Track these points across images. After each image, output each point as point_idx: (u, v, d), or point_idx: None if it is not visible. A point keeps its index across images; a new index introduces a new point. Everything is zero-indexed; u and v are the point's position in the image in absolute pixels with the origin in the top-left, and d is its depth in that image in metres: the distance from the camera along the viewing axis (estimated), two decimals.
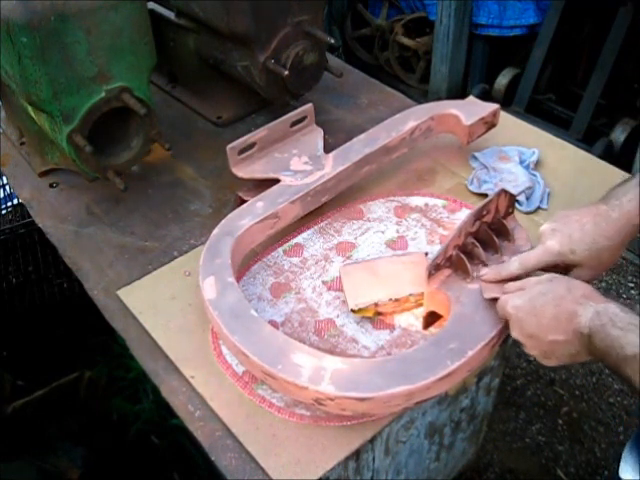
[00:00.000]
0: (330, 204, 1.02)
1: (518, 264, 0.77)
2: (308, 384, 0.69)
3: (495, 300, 0.75)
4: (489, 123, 1.09)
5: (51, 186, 1.15)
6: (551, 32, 2.24)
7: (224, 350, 0.83)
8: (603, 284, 1.98)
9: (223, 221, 0.91)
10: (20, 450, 1.30)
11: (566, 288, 0.68)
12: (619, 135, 2.17)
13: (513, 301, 0.71)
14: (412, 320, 0.85)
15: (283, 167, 1.01)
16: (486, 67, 2.56)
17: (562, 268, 0.78)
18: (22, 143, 1.22)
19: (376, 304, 0.84)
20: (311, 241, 0.99)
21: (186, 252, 1.00)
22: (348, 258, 0.95)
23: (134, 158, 1.05)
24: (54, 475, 1.28)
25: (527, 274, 0.77)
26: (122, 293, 0.93)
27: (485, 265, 0.82)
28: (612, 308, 0.64)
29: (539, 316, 0.68)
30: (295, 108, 1.06)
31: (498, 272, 0.78)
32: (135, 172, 1.14)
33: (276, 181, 0.98)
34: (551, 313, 0.67)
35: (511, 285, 0.75)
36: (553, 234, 0.76)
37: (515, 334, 0.71)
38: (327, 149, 1.04)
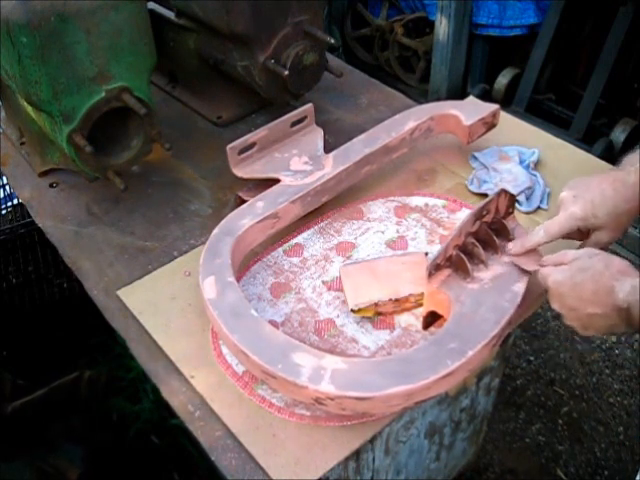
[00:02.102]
0: (330, 204, 1.02)
1: (543, 232, 0.81)
2: (308, 384, 0.69)
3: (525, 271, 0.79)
4: (489, 123, 1.09)
5: (51, 186, 1.15)
6: (551, 32, 2.24)
7: (224, 350, 0.83)
8: None
9: (223, 221, 0.91)
10: (20, 450, 1.30)
11: (604, 265, 0.71)
12: (619, 135, 2.17)
13: (554, 276, 0.74)
14: (412, 320, 0.85)
15: (283, 167, 1.01)
16: (486, 67, 2.57)
17: (583, 233, 0.82)
18: (22, 143, 1.22)
19: (376, 304, 0.84)
20: (311, 241, 0.99)
21: (186, 252, 1.00)
22: (348, 258, 0.95)
23: (134, 158, 1.05)
24: (53, 475, 1.28)
25: (552, 240, 0.81)
26: (122, 293, 0.93)
27: (485, 265, 0.82)
28: None
29: (579, 291, 0.72)
30: (295, 108, 1.06)
31: (523, 244, 0.82)
32: (135, 172, 1.14)
33: (276, 181, 0.98)
34: (590, 288, 0.70)
35: (549, 258, 0.78)
36: (575, 200, 0.80)
37: (556, 306, 0.76)
38: (327, 149, 1.04)
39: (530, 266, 0.80)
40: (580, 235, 0.83)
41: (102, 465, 1.36)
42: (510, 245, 0.83)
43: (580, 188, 0.81)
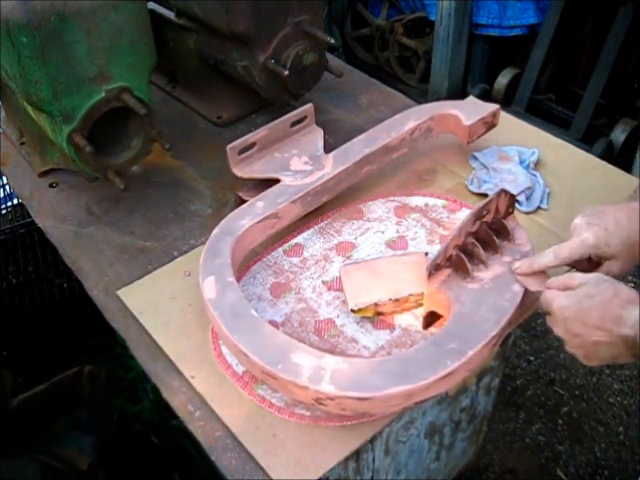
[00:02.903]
0: (330, 204, 1.02)
1: (553, 256, 0.79)
2: (308, 384, 0.69)
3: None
4: (489, 123, 1.09)
5: (51, 186, 1.15)
6: (551, 32, 2.24)
7: (224, 350, 0.83)
8: None
9: (223, 221, 0.91)
10: (24, 444, 1.29)
11: (613, 292, 0.70)
12: (619, 135, 2.18)
13: (560, 300, 0.73)
14: (412, 320, 0.85)
15: (283, 167, 1.01)
16: (486, 67, 2.57)
17: (592, 263, 0.80)
18: (22, 143, 1.22)
19: (376, 304, 0.84)
20: (311, 241, 0.99)
21: (186, 252, 1.00)
22: (348, 258, 0.95)
23: (134, 158, 1.05)
24: (59, 469, 1.27)
25: (560, 265, 0.80)
26: (122, 293, 0.93)
27: (485, 265, 0.82)
28: None
29: (585, 317, 0.70)
30: (295, 108, 1.06)
31: (531, 264, 0.80)
32: (135, 172, 1.14)
33: (276, 181, 0.98)
34: (597, 316, 0.69)
35: (554, 281, 0.77)
36: (589, 227, 0.78)
37: (560, 332, 0.74)
38: (327, 149, 1.04)
39: (533, 286, 0.79)
40: (589, 266, 0.81)
41: (112, 455, 1.35)
42: (517, 264, 0.81)
43: (594, 216, 0.79)
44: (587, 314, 0.70)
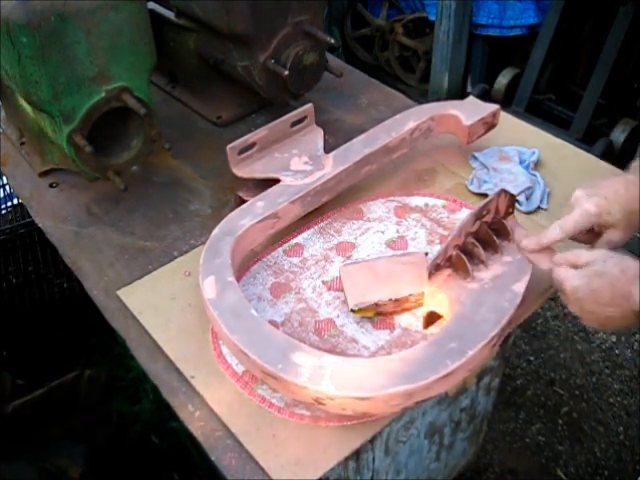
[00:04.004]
0: (330, 204, 1.02)
1: (559, 229, 0.81)
2: (308, 384, 0.69)
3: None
4: (489, 123, 1.09)
5: (51, 186, 1.15)
6: (551, 32, 2.24)
7: (224, 350, 0.83)
8: None
9: (223, 221, 0.91)
10: (21, 449, 1.30)
11: (620, 270, 0.73)
12: (619, 135, 2.17)
13: (571, 282, 0.75)
14: (412, 320, 0.85)
15: (283, 167, 1.01)
16: (486, 67, 2.57)
17: (594, 232, 0.84)
18: (22, 143, 1.22)
19: (376, 304, 0.84)
20: (311, 241, 0.99)
21: (186, 252, 1.00)
22: (348, 258, 0.95)
23: (134, 158, 1.05)
24: (55, 474, 1.28)
25: (566, 238, 0.82)
26: (122, 293, 0.93)
27: (485, 265, 0.82)
28: None
29: (596, 296, 0.73)
30: (295, 108, 1.06)
31: (539, 241, 0.83)
32: (135, 172, 1.14)
33: (276, 181, 0.98)
34: (607, 294, 0.72)
35: (560, 258, 0.79)
36: (589, 198, 0.81)
37: (575, 310, 0.77)
38: (327, 149, 1.04)
39: (544, 264, 0.81)
40: (590, 236, 0.85)
41: (103, 463, 1.36)
42: (525, 242, 0.83)
43: (594, 187, 0.83)
44: (598, 293, 0.73)
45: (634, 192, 0.80)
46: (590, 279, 0.74)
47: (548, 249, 0.83)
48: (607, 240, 0.83)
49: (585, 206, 0.81)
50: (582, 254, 0.77)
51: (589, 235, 0.85)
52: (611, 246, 0.82)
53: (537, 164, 1.11)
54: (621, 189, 0.81)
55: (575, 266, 0.77)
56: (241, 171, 1.01)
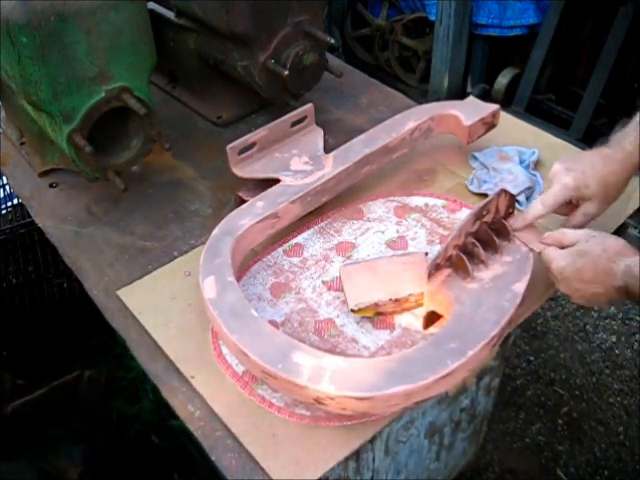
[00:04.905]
0: (330, 204, 1.02)
1: (541, 205, 0.85)
2: (308, 383, 0.69)
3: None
4: (489, 123, 1.09)
5: (51, 186, 1.15)
6: (551, 32, 2.24)
7: (224, 350, 0.83)
8: None
9: (223, 221, 0.91)
10: (20, 450, 1.30)
11: (602, 248, 0.76)
12: None
13: (557, 262, 0.79)
14: (412, 320, 0.85)
15: (283, 167, 1.01)
16: (486, 67, 2.56)
17: (572, 205, 0.87)
18: (22, 143, 1.22)
19: (376, 304, 0.84)
20: (311, 241, 0.99)
21: (186, 252, 1.00)
22: (348, 258, 0.95)
23: (134, 158, 1.05)
24: (54, 475, 1.28)
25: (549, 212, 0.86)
26: (122, 293, 0.93)
27: (485, 265, 0.82)
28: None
29: (580, 274, 0.77)
30: (295, 108, 1.06)
31: (524, 217, 0.86)
32: (135, 172, 1.14)
33: (276, 181, 0.98)
34: (590, 271, 0.76)
35: (548, 237, 0.83)
36: (567, 172, 0.85)
37: (562, 289, 0.81)
38: (327, 149, 1.04)
39: (535, 245, 0.84)
40: (568, 209, 0.88)
41: (102, 464, 1.36)
42: (511, 221, 0.86)
43: (571, 162, 0.86)
44: (582, 272, 0.77)
45: (611, 166, 0.84)
46: (574, 258, 0.77)
47: (533, 228, 0.86)
48: (583, 212, 0.86)
49: (563, 180, 0.84)
50: (567, 233, 0.81)
51: (567, 207, 0.88)
52: (588, 218, 0.87)
53: (537, 164, 1.11)
54: (598, 163, 0.84)
55: (562, 245, 0.80)
56: (241, 171, 1.01)
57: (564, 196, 0.85)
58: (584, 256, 0.77)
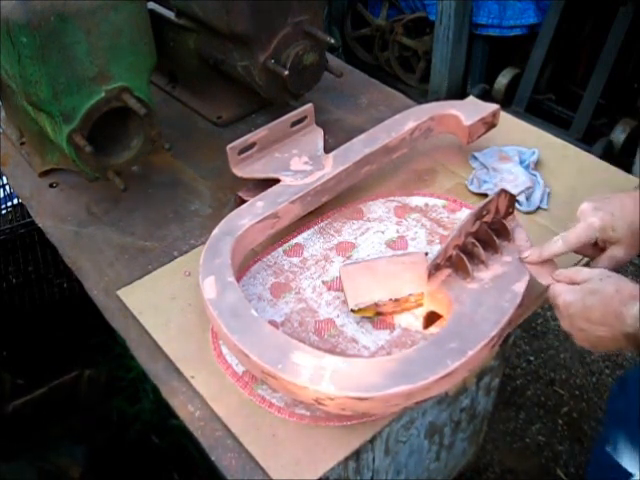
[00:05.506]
0: (330, 204, 1.02)
1: (561, 243, 0.79)
2: (308, 384, 0.69)
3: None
4: (489, 123, 1.09)
5: (51, 186, 1.15)
6: (551, 32, 2.24)
7: (224, 350, 0.83)
8: None
9: (223, 221, 0.91)
10: (20, 449, 1.30)
11: (615, 289, 0.71)
12: (619, 135, 2.17)
13: (565, 296, 0.74)
14: (412, 320, 0.85)
15: (283, 167, 1.01)
16: (486, 67, 2.57)
17: (598, 247, 0.81)
18: (22, 143, 1.22)
19: (376, 304, 0.84)
20: (311, 241, 0.99)
21: (186, 252, 1.00)
22: (348, 258, 0.95)
23: (134, 158, 1.05)
24: (55, 475, 1.28)
25: (569, 251, 0.81)
26: (122, 293, 0.93)
27: (485, 265, 0.82)
28: None
29: (588, 313, 0.72)
30: (295, 108, 1.06)
31: (540, 253, 0.81)
32: (135, 172, 1.14)
33: (276, 181, 0.98)
34: (599, 312, 0.70)
35: (561, 274, 0.78)
36: (595, 211, 0.79)
37: (565, 326, 0.76)
38: (327, 149, 1.04)
39: (544, 279, 0.79)
40: (594, 251, 0.82)
41: (103, 464, 1.36)
42: (526, 253, 0.82)
43: (601, 201, 0.80)
44: (590, 310, 0.71)
45: None
46: (584, 295, 0.72)
47: (550, 262, 0.81)
48: (610, 256, 0.80)
49: (590, 220, 0.79)
50: (582, 271, 0.75)
51: (593, 249, 0.82)
52: (613, 262, 0.80)
53: (537, 164, 1.11)
54: (629, 205, 0.78)
55: (574, 282, 0.75)
56: (241, 171, 1.01)
57: (588, 236, 0.79)
58: (595, 294, 0.71)
